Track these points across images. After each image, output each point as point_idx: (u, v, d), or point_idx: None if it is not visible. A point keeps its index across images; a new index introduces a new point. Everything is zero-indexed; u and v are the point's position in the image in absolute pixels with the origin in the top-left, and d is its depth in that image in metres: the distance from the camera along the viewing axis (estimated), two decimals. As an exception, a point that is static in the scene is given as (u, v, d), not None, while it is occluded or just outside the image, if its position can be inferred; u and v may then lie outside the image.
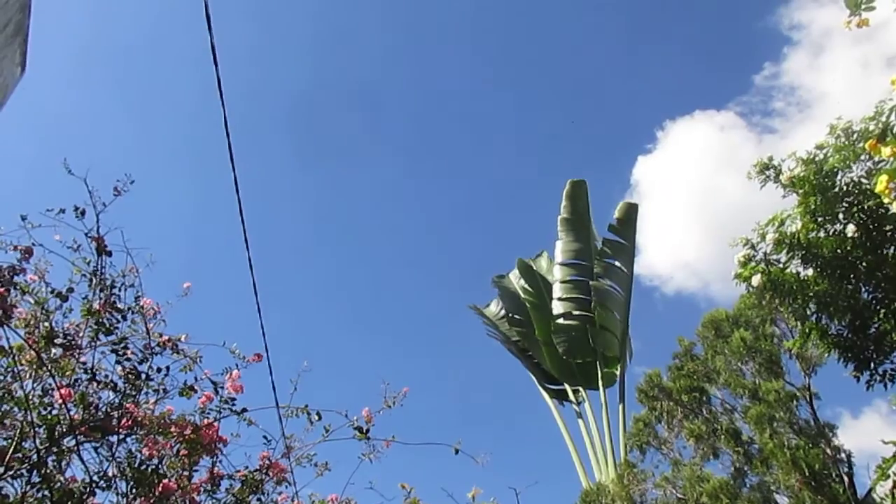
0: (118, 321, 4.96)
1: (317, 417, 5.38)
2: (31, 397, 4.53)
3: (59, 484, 4.59)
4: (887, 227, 6.63)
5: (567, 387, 17.61)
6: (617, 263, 17.18)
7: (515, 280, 19.80)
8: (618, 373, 16.70)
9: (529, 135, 32.62)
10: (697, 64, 31.57)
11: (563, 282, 17.82)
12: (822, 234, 6.87)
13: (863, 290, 7.00)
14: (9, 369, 4.63)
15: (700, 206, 31.94)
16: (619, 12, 31.00)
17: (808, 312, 7.22)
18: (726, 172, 32.94)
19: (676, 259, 33.19)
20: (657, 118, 35.00)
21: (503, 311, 19.76)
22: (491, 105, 32.39)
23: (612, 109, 32.22)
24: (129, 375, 4.90)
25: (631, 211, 17.63)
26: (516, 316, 18.99)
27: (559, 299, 17.63)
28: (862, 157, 6.57)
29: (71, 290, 4.92)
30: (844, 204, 6.73)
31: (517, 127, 32.45)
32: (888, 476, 7.54)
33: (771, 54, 32.09)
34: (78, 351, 4.87)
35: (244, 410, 5.22)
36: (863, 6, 3.71)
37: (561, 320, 17.31)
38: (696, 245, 31.33)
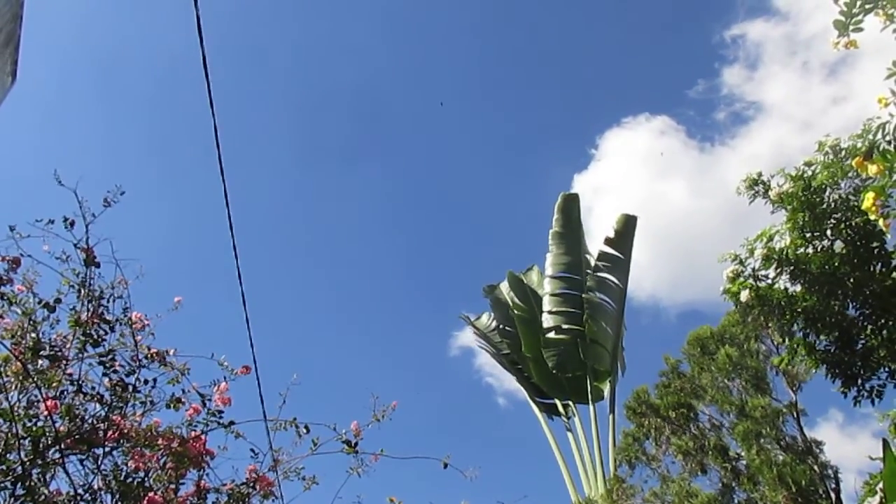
0: (106, 333, 4.93)
1: (305, 431, 5.36)
2: (16, 409, 4.49)
3: (43, 497, 4.55)
4: (874, 244, 6.70)
5: (557, 401, 17.51)
6: (610, 277, 17.02)
7: (506, 291, 19.47)
8: (608, 387, 16.63)
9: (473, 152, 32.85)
10: (638, 80, 32.03)
11: (553, 295, 17.63)
12: (810, 250, 6.93)
13: (850, 306, 7.04)
14: (-6, 380, 4.59)
15: (643, 214, 32.18)
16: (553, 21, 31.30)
17: (796, 328, 7.26)
18: (667, 179, 33.26)
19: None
20: (590, 134, 35.16)
21: (494, 324, 19.51)
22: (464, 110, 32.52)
23: (546, 131, 32.52)
24: (116, 387, 4.87)
25: (629, 224, 17.39)
26: (507, 328, 18.81)
27: (550, 312, 17.44)
28: (850, 174, 6.65)
29: (59, 300, 4.89)
30: (832, 220, 6.80)
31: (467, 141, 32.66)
32: (875, 492, 7.59)
33: (706, 69, 32.61)
34: (65, 362, 4.83)
35: (232, 423, 5.19)
36: (851, 27, 3.76)
37: (552, 334, 17.13)
38: (640, 253, 31.51)
